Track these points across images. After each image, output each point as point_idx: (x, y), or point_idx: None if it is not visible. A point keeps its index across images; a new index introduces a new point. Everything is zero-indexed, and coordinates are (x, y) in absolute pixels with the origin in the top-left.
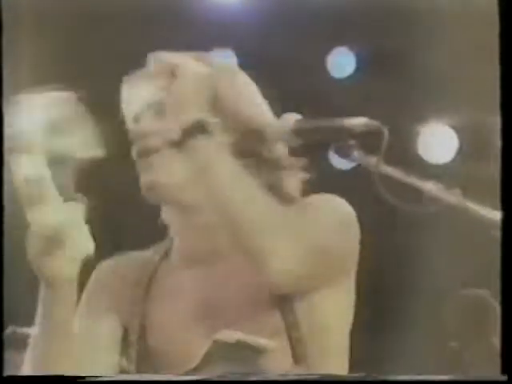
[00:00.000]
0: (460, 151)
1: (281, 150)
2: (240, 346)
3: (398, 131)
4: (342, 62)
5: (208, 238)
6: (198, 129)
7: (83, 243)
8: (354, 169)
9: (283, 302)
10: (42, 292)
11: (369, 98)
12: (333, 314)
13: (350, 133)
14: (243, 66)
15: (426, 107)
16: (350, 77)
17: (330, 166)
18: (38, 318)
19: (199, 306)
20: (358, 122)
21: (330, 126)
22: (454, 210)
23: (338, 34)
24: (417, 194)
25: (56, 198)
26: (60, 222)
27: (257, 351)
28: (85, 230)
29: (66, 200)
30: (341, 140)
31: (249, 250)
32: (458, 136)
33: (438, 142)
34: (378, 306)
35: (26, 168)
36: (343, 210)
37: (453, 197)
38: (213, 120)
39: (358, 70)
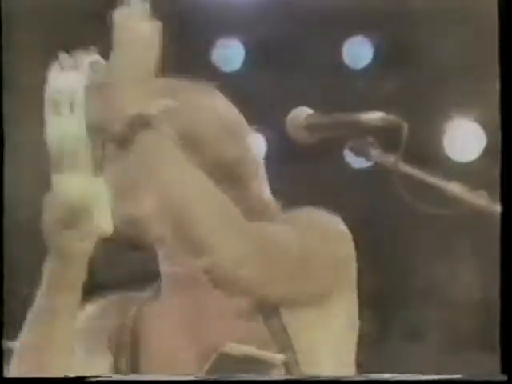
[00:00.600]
0: (487, 149)
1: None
2: (247, 359)
3: (420, 127)
4: (358, 52)
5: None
6: (141, 123)
7: (103, 222)
8: (371, 168)
9: (270, 316)
10: (50, 264)
11: (388, 90)
12: (321, 334)
13: (367, 128)
14: (252, 56)
15: (450, 101)
16: (367, 68)
17: (345, 164)
18: (38, 297)
19: (187, 329)
20: (376, 116)
21: (344, 122)
22: (479, 212)
23: (354, 22)
24: (439, 194)
25: (87, 168)
26: (86, 194)
27: (265, 365)
28: (107, 208)
29: (94, 173)
30: (357, 136)
31: (191, 243)
32: (485, 132)
33: (464, 138)
34: (394, 310)
35: (63, 126)
36: (327, 225)
37: (478, 198)
38: (154, 112)
39: (375, 60)
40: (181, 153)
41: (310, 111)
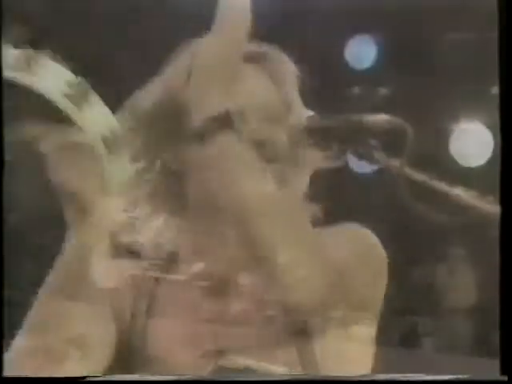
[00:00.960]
0: (495, 154)
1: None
2: (248, 372)
3: (426, 130)
4: (362, 52)
5: (222, 254)
6: (223, 122)
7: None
8: (374, 172)
9: (300, 336)
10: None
11: (391, 92)
12: (351, 357)
13: (371, 131)
14: None
15: (457, 104)
16: (370, 68)
17: (348, 169)
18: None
19: (204, 325)
20: (379, 119)
21: (347, 124)
22: (487, 219)
23: (358, 21)
24: (445, 200)
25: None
26: (114, 125)
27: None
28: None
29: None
30: (360, 139)
31: (263, 263)
32: (493, 136)
33: (471, 143)
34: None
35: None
36: (369, 244)
37: (486, 204)
38: (238, 112)
39: (379, 60)
40: (255, 158)
41: (310, 113)
